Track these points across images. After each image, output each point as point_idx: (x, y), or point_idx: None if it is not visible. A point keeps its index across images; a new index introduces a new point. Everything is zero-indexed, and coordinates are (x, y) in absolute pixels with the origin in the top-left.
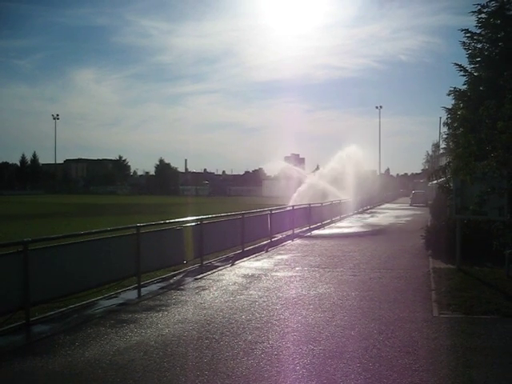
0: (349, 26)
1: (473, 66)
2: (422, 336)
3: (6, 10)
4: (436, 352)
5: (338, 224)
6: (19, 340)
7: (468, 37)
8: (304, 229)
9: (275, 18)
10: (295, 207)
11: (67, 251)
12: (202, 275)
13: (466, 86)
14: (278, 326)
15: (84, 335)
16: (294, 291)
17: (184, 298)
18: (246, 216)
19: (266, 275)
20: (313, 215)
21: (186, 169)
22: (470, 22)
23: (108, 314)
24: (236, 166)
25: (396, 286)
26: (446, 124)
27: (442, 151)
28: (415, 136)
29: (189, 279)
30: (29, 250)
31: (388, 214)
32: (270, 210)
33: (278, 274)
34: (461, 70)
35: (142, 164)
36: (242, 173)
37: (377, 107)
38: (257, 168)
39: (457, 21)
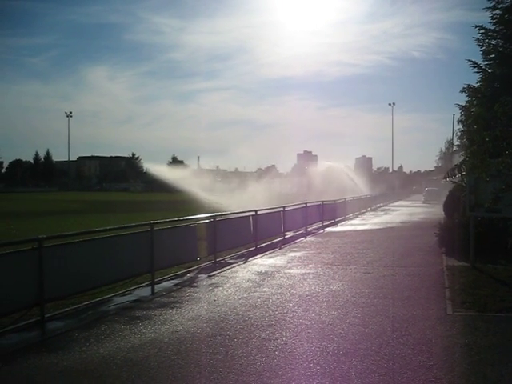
0: (361, 23)
1: (487, 62)
2: (435, 334)
3: (18, 9)
4: (450, 350)
5: (351, 221)
6: (34, 336)
7: (482, 33)
8: (317, 226)
9: (287, 14)
10: (308, 204)
11: (81, 248)
12: (215, 272)
13: (479, 83)
14: (291, 324)
15: (98, 332)
16: (307, 288)
17: (198, 294)
18: (258, 213)
19: (279, 272)
20: (326, 212)
21: (199, 166)
22: (484, 17)
23: (122, 311)
24: (249, 163)
25: (409, 283)
26: (460, 121)
27: (455, 148)
28: (428, 133)
29: (202, 276)
30: (43, 246)
31: (401, 212)
32: (283, 207)
33: (292, 271)
34: (474, 67)
35: (154, 161)
36: (254, 170)
37: (389, 104)
38: (269, 165)
39: (470, 17)
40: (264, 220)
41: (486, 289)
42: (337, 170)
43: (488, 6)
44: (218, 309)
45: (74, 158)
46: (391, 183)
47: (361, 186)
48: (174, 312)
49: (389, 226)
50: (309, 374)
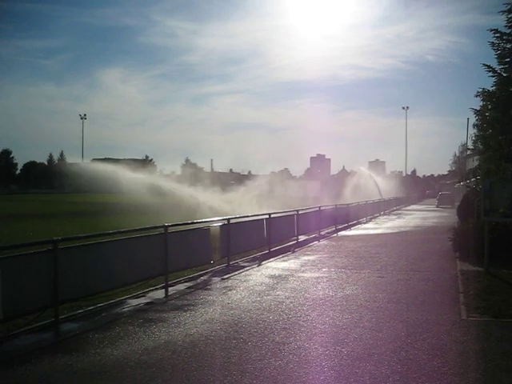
0: (375, 26)
1: (502, 66)
2: (450, 339)
3: (32, 11)
4: (465, 355)
5: (365, 225)
6: (48, 338)
7: (497, 37)
8: (330, 230)
9: (301, 18)
10: (322, 208)
11: (96, 250)
12: (228, 275)
13: (494, 87)
14: (305, 327)
15: (112, 334)
16: (321, 292)
17: (211, 297)
18: (272, 216)
19: (292, 276)
20: (339, 216)
21: (212, 169)
22: (499, 21)
23: (136, 313)
24: (262, 166)
25: (423, 288)
26: (475, 126)
27: (469, 152)
28: (442, 137)
29: (216, 279)
30: (58, 248)
31: (414, 216)
32: (297, 211)
33: (305, 274)
34: (489, 71)
35: (168, 164)
36: (267, 173)
37: (403, 108)
38: (282, 168)
39: (484, 20)
40: (277, 223)
41: (500, 294)
42: (365, 176)
43: (503, 9)
44: (232, 312)
45: (87, 160)
46: (404, 187)
47: (382, 191)
48: (188, 315)
49: (402, 230)
50: (323, 378)
